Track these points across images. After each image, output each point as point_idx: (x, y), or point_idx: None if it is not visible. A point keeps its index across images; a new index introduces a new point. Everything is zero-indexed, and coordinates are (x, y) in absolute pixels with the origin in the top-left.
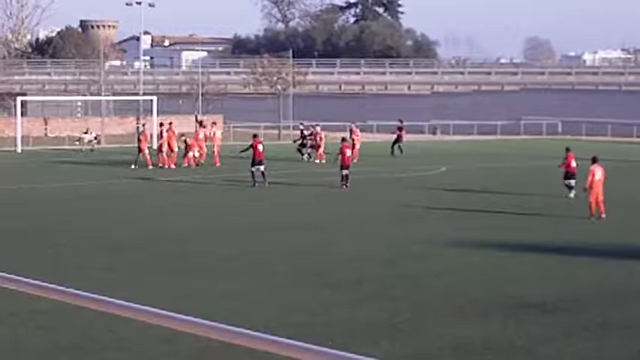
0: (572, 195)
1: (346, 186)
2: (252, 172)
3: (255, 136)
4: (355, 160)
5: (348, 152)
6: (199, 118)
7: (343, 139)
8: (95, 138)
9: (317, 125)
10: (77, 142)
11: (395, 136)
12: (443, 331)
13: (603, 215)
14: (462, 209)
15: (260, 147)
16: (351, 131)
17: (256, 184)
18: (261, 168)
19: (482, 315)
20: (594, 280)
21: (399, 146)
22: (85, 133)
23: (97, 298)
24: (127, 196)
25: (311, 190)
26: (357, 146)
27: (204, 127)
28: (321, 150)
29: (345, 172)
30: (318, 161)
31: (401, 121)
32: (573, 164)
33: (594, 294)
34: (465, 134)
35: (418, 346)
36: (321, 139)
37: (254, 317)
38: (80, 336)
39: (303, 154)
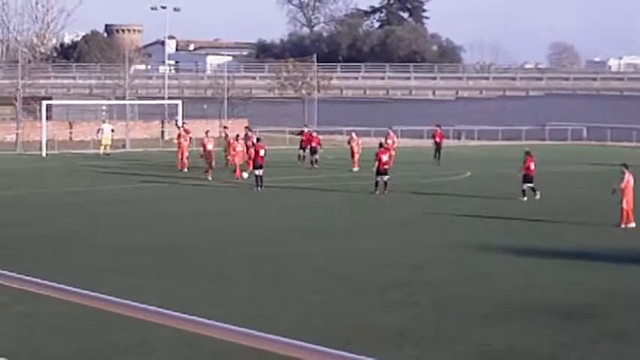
0: (537, 197)
1: (383, 193)
2: (256, 176)
3: (258, 140)
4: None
5: (384, 158)
6: (179, 123)
7: (380, 145)
8: (112, 131)
9: (353, 131)
10: (97, 134)
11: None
12: (468, 338)
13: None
14: (486, 215)
15: (262, 152)
16: (387, 136)
17: (256, 189)
18: (258, 172)
19: (507, 321)
20: (619, 287)
21: (438, 152)
22: (104, 122)
23: (120, 302)
24: (148, 200)
25: (337, 195)
26: (393, 152)
27: (188, 132)
28: (357, 157)
29: (383, 177)
30: (356, 169)
31: (438, 126)
32: (532, 167)
33: (619, 300)
34: (490, 139)
35: (442, 352)
36: (358, 144)
37: (276, 322)
38: (102, 340)
39: (299, 158)
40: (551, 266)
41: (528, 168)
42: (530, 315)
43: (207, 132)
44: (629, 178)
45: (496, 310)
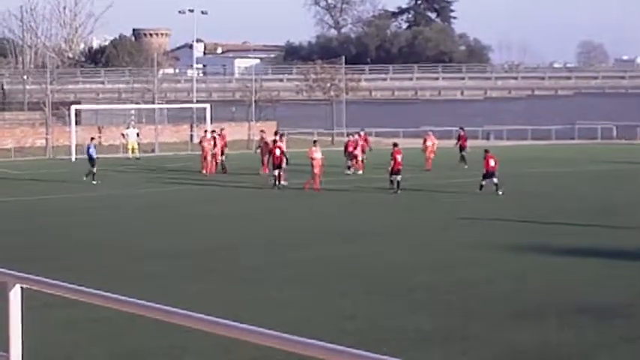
0: (500, 193)
1: (396, 192)
2: (274, 176)
3: (275, 141)
4: (427, 169)
5: (399, 157)
6: (215, 132)
7: (395, 145)
8: (138, 135)
9: (356, 133)
10: (122, 137)
11: (458, 144)
12: (497, 338)
13: None
14: (515, 214)
15: (277, 151)
16: (427, 137)
17: (278, 187)
18: (275, 172)
19: (537, 320)
20: None
21: (462, 156)
22: (128, 128)
23: (155, 307)
24: (178, 203)
25: (362, 196)
26: (432, 154)
27: (223, 137)
28: (359, 159)
29: (396, 177)
30: (352, 171)
31: (462, 129)
32: (491, 164)
33: None
34: (519, 139)
35: (472, 352)
36: (355, 148)
37: (308, 326)
38: (138, 345)
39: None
40: (579, 265)
41: (488, 164)
42: (560, 314)
43: (275, 133)
44: None
45: (526, 310)
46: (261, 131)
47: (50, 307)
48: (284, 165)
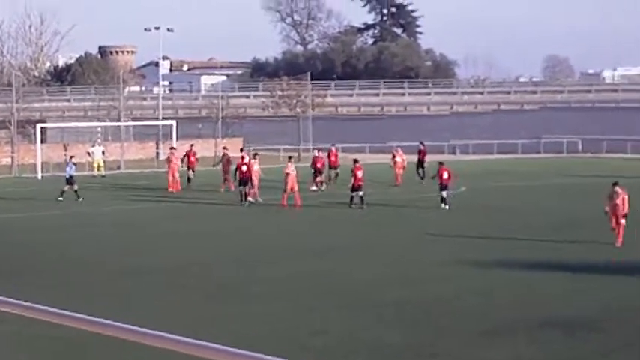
0: (446, 207)
1: (362, 208)
2: (240, 192)
3: (242, 157)
4: (396, 185)
5: (360, 174)
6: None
7: (356, 161)
8: (103, 153)
9: (319, 150)
10: (88, 155)
11: (417, 159)
12: (467, 354)
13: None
14: (482, 229)
15: (244, 168)
16: (395, 153)
17: (243, 204)
18: (243, 189)
19: (507, 336)
20: (621, 300)
21: (422, 170)
22: (93, 146)
23: (121, 326)
24: (145, 221)
25: (327, 213)
26: (400, 171)
27: (194, 154)
28: (320, 177)
29: (358, 193)
30: (314, 188)
31: (422, 144)
32: (445, 176)
33: (621, 313)
34: (485, 154)
35: None
36: (322, 165)
37: (274, 342)
38: None
39: (329, 178)
40: (548, 280)
41: (441, 177)
42: (530, 329)
43: (241, 150)
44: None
45: (495, 326)
46: (224, 148)
47: (25, 327)
48: (255, 182)
